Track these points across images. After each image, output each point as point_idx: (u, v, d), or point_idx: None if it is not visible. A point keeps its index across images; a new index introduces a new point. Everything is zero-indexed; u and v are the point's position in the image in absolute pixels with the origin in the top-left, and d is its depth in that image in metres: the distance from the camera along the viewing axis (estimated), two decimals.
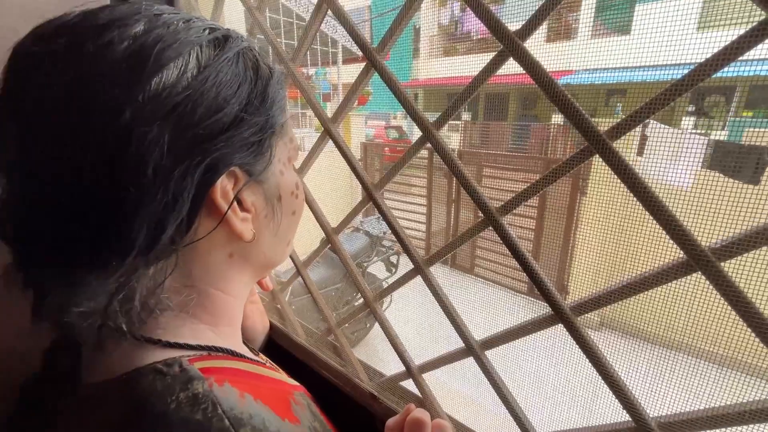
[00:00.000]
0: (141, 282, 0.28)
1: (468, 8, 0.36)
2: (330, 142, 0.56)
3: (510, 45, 0.35)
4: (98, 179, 0.25)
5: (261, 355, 0.50)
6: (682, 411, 0.34)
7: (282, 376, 0.44)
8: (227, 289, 0.35)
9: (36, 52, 0.26)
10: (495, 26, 0.36)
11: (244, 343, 0.47)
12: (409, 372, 0.55)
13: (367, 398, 0.59)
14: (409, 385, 0.57)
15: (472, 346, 0.46)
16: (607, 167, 0.32)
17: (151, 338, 0.30)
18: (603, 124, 0.32)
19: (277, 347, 0.71)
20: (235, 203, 0.30)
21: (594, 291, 0.36)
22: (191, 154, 0.27)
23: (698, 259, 0.29)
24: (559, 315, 0.37)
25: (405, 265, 3.09)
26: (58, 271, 0.27)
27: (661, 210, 0.30)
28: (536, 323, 0.40)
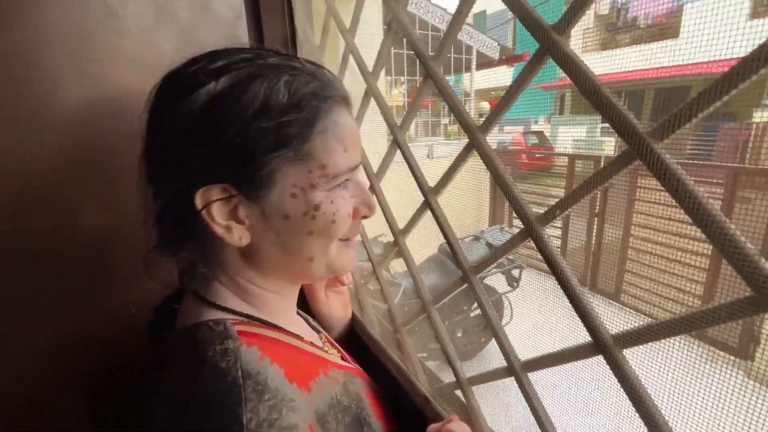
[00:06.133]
0: (190, 260, 0.40)
1: None
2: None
3: None
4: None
5: (323, 334, 0.56)
6: None
7: (329, 355, 0.49)
8: (256, 282, 0.41)
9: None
10: None
11: (313, 326, 0.55)
12: (459, 382, 0.54)
13: (420, 399, 0.60)
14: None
15: (514, 366, 0.43)
16: None
17: (211, 301, 0.40)
18: None
19: (356, 336, 0.78)
20: (214, 212, 0.35)
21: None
22: (181, 171, 0.36)
23: None
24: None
25: (527, 280, 2.85)
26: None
27: None
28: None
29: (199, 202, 0.35)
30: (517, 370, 0.43)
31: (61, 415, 0.68)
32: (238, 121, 0.33)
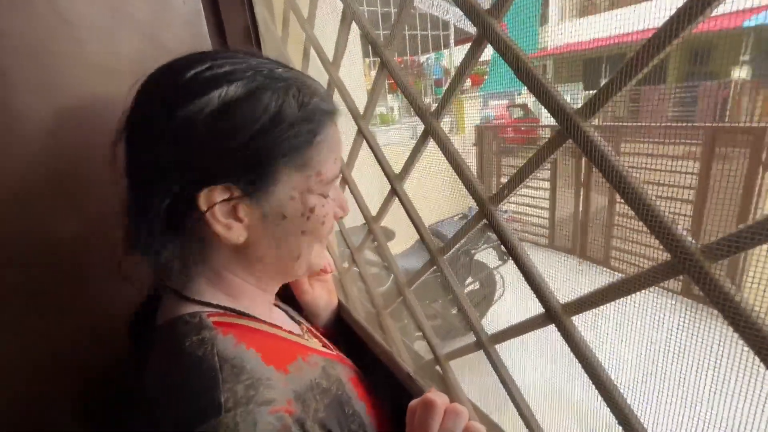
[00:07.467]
0: (171, 258, 0.39)
1: None
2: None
3: None
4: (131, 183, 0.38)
5: (305, 325, 0.58)
6: None
7: (308, 342, 0.52)
8: (241, 275, 0.43)
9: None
10: None
11: (293, 317, 0.57)
12: (437, 359, 0.56)
13: (404, 376, 0.62)
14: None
15: (482, 340, 0.45)
16: None
17: (186, 296, 0.41)
18: None
19: (342, 322, 0.80)
20: (216, 211, 0.37)
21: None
22: (185, 171, 0.36)
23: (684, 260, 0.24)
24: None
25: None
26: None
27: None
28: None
29: (203, 203, 0.36)
30: (484, 342, 0.45)
31: (43, 420, 0.68)
32: (253, 127, 0.35)
